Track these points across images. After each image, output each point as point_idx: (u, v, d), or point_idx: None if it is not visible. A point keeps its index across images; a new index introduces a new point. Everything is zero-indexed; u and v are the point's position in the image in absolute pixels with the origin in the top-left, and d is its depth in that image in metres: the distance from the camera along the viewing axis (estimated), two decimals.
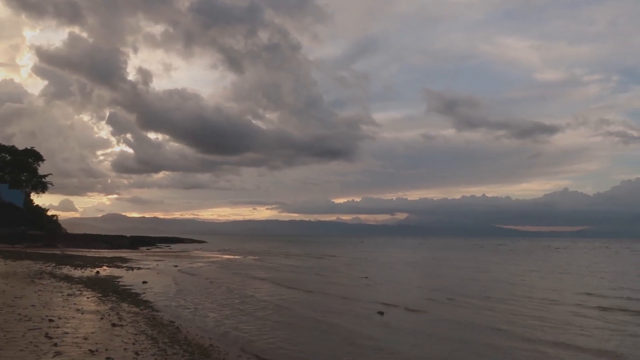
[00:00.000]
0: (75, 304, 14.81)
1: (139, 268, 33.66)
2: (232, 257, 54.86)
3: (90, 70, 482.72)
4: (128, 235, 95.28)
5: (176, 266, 37.05)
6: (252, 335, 12.90)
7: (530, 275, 33.83)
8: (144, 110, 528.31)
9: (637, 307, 18.76)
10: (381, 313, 16.65)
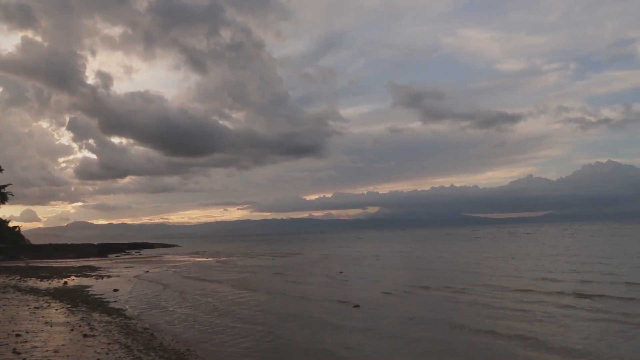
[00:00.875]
0: (43, 316, 14.33)
1: (108, 276, 32.92)
2: (203, 259, 54.25)
3: (47, 75, 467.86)
4: (96, 243, 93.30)
5: (147, 272, 36.42)
6: (227, 341, 12.78)
7: (494, 261, 34.62)
8: (105, 115, 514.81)
9: (590, 290, 18.91)
10: (356, 305, 16.73)
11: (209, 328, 14.18)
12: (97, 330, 12.61)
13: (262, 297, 20.71)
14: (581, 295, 17.50)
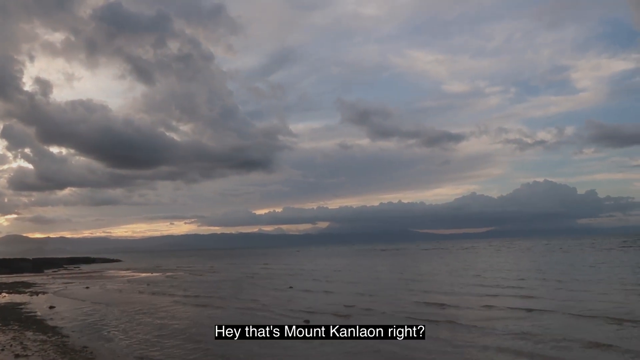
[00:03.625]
0: None
1: (44, 292, 31.19)
2: (147, 274, 52.38)
3: None
4: (31, 258, 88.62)
5: (87, 287, 34.81)
6: (167, 357, 12.38)
7: (430, 275, 35.65)
8: (44, 123, 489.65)
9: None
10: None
11: (150, 345, 13.68)
12: (30, 349, 11.91)
13: (207, 311, 20.23)
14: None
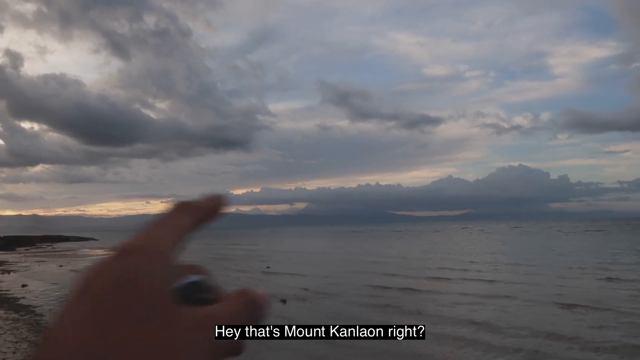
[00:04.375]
0: None
1: (16, 271, 30.82)
2: None
3: None
4: (1, 235, 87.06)
5: (61, 266, 34.51)
6: None
7: (398, 257, 36.16)
8: (14, 97, 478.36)
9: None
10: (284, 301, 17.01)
11: None
12: (2, 328, 11.96)
13: None
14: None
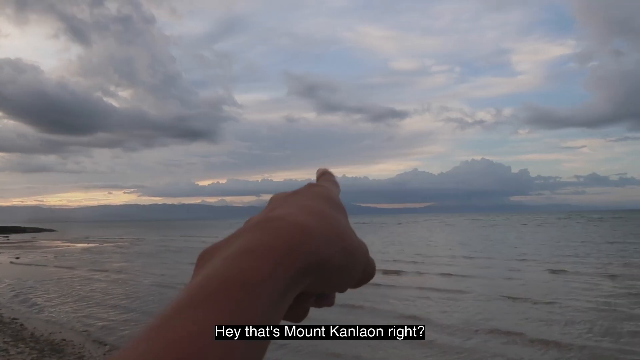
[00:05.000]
0: None
1: None
2: (83, 245, 50.92)
3: None
4: None
5: (18, 258, 33.57)
6: (108, 326, 12.61)
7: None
8: None
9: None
10: None
11: (85, 316, 13.80)
12: None
13: (143, 280, 20.32)
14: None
